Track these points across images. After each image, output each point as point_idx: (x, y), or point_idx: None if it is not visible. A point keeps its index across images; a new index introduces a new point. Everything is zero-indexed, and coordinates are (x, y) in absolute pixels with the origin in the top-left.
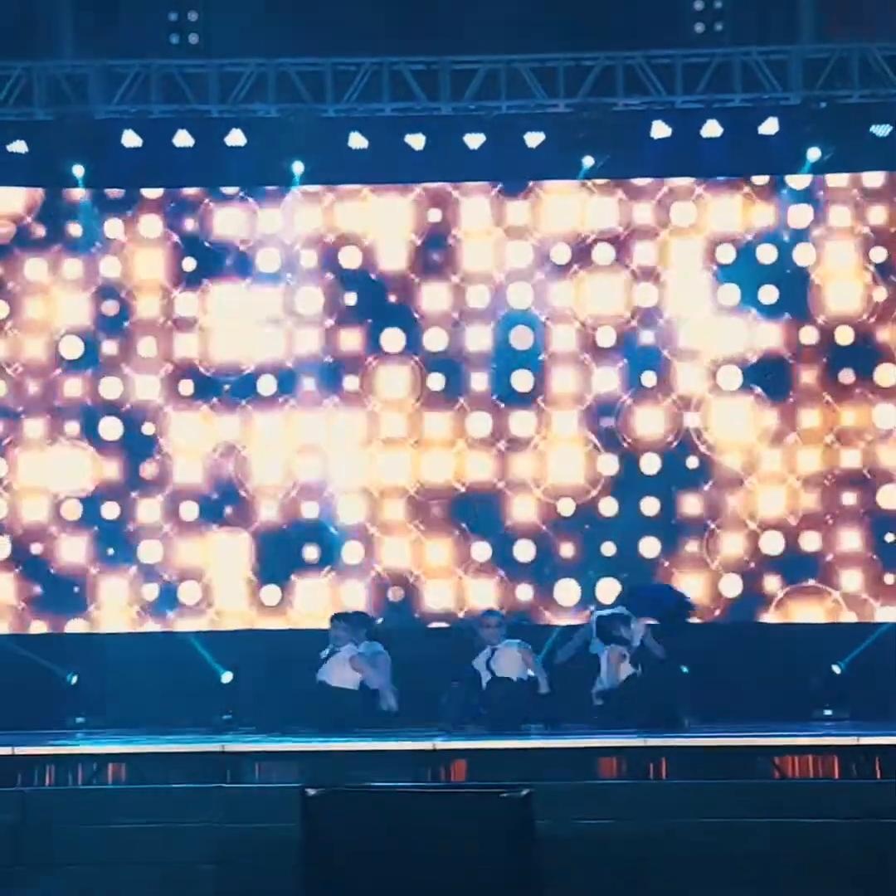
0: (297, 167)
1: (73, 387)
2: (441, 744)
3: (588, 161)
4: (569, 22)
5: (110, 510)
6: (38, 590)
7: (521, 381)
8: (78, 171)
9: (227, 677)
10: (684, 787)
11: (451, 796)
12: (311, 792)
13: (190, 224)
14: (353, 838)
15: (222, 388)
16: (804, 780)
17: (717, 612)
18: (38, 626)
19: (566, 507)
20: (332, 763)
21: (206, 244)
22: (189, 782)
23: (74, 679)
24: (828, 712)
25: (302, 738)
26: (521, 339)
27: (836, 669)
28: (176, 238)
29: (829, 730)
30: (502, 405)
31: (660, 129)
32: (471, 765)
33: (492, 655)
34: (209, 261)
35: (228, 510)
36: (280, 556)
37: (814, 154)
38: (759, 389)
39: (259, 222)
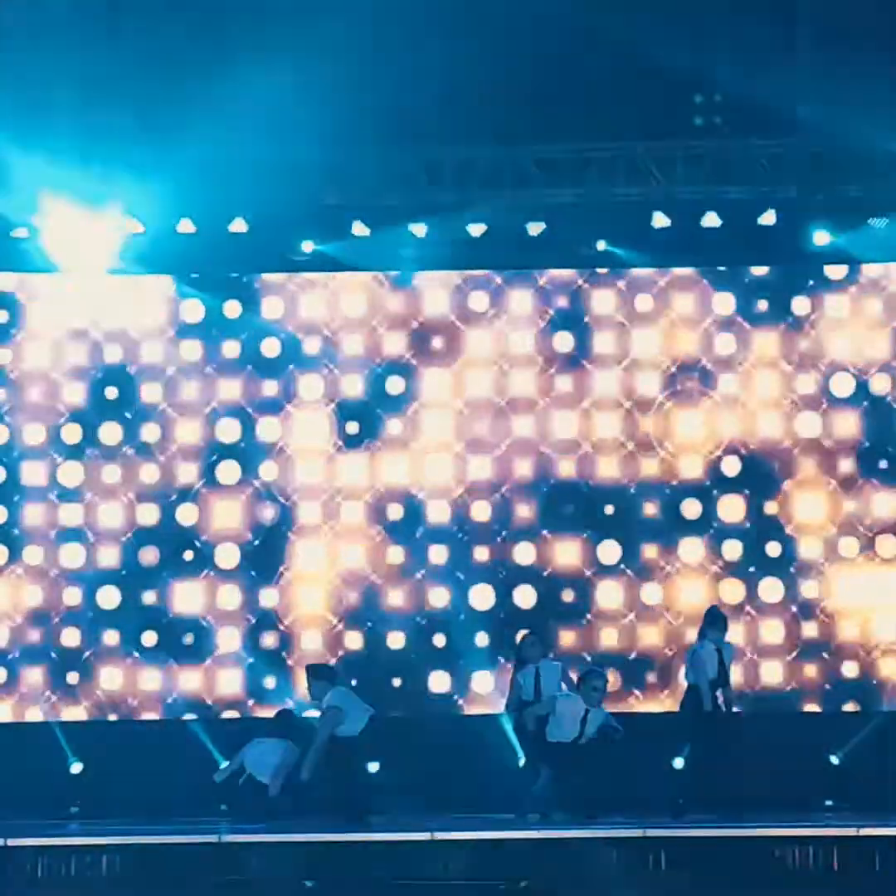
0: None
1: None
2: (440, 834)
3: (601, 245)
4: (571, 114)
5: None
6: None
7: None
8: None
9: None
10: (683, 877)
11: (448, 888)
12: (309, 884)
13: None
14: None
15: None
16: (804, 870)
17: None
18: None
19: None
20: (329, 854)
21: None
22: (186, 873)
23: (78, 767)
24: (828, 803)
25: (301, 829)
26: (523, 426)
27: (834, 760)
28: None
29: (830, 820)
30: None
31: (660, 220)
32: (468, 855)
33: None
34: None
35: None
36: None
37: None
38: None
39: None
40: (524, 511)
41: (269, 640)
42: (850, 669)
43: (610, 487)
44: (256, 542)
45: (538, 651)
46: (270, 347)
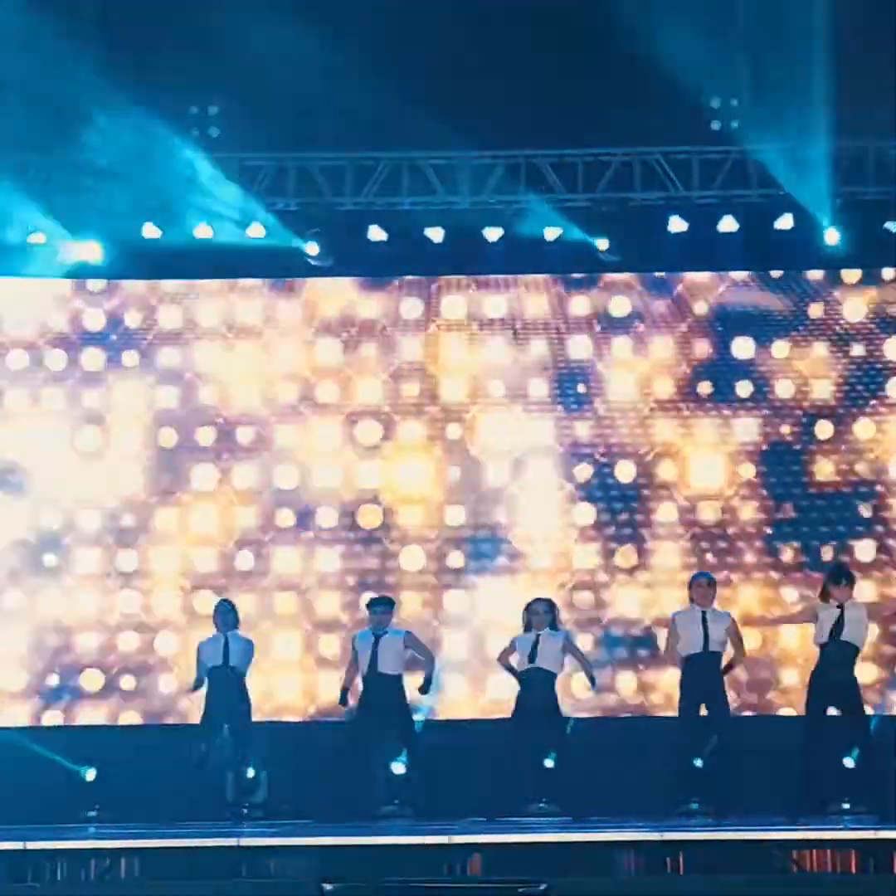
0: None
1: None
2: (458, 838)
3: (602, 244)
4: (587, 118)
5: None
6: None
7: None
8: None
9: (251, 772)
10: (702, 881)
11: (468, 892)
12: (328, 887)
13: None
14: None
15: None
16: (822, 873)
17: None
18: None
19: None
20: (348, 857)
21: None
22: (204, 877)
23: (90, 774)
24: (845, 806)
25: (319, 832)
26: (537, 432)
27: (849, 763)
28: None
29: (847, 823)
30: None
31: (677, 224)
32: (488, 859)
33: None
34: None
35: None
36: None
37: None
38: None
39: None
40: None
41: None
42: None
43: None
44: None
45: (545, 618)
46: None
